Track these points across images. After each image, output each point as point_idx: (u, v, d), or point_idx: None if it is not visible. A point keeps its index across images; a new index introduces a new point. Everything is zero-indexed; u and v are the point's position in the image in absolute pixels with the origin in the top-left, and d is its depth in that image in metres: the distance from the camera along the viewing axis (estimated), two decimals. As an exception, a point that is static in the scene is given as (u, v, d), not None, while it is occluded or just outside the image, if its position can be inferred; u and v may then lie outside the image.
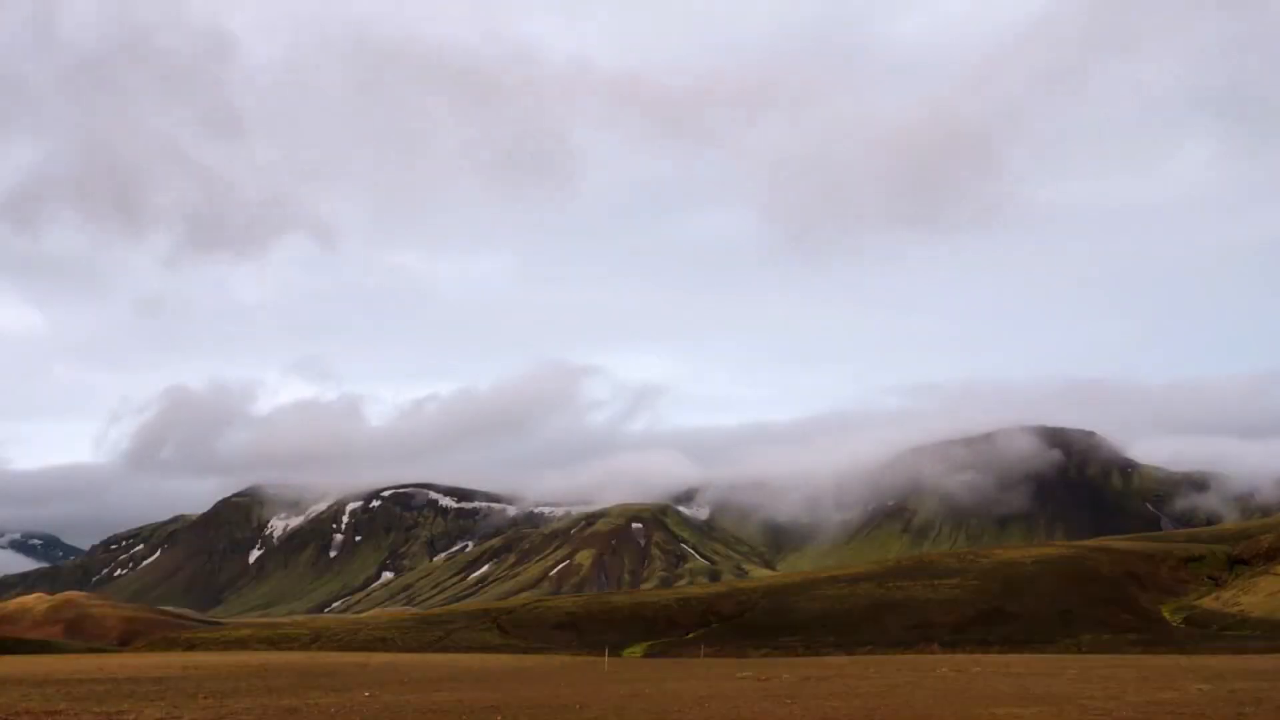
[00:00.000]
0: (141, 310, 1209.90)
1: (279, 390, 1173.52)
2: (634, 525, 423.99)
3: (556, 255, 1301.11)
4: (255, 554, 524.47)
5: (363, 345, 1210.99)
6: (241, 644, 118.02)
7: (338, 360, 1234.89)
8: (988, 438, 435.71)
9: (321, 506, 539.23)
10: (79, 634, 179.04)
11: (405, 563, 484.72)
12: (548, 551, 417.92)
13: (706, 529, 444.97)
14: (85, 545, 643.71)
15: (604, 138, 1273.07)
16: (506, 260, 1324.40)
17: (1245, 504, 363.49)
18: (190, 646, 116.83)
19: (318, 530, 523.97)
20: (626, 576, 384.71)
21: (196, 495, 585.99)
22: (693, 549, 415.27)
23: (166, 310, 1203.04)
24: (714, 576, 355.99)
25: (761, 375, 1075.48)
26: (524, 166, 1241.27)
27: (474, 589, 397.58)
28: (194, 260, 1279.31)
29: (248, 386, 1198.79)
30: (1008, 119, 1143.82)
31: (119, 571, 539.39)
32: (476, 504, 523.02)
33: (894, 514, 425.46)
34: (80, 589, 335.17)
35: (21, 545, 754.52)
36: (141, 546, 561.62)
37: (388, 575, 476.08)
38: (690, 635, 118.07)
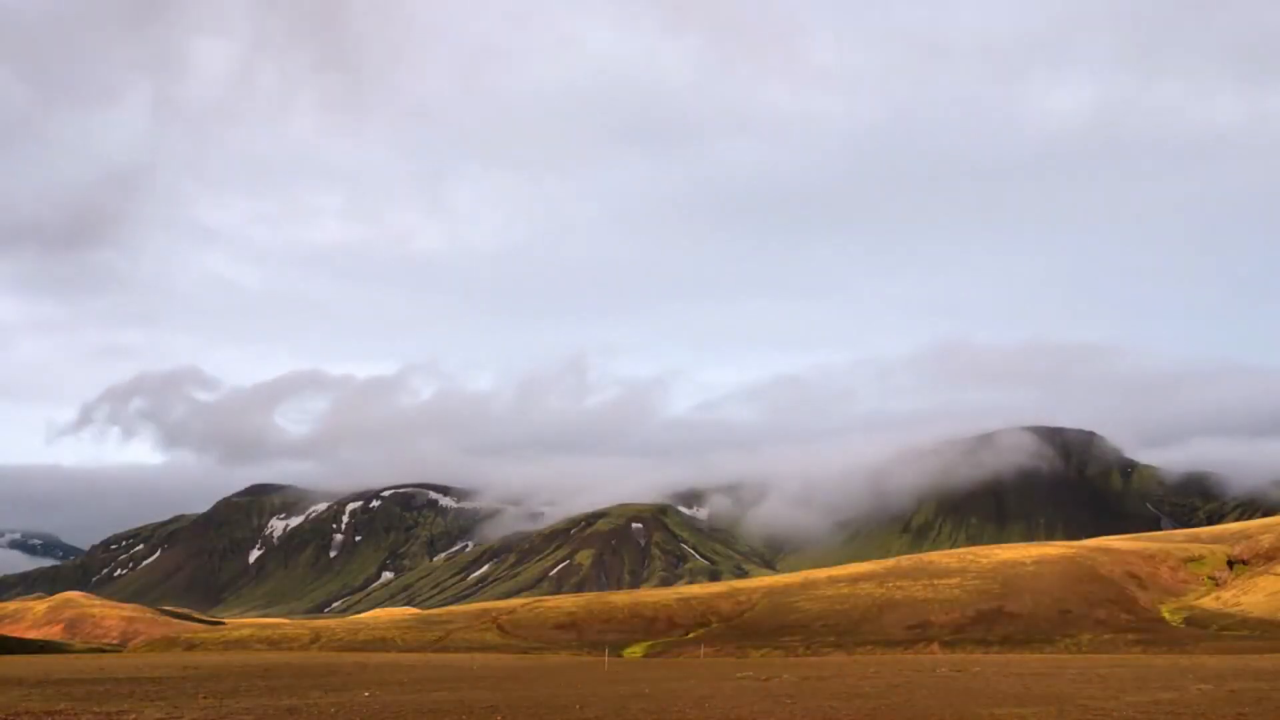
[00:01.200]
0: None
1: (266, 371, 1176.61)
2: (634, 525, 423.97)
3: (554, 224, 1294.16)
4: (255, 554, 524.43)
5: (347, 324, 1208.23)
6: (241, 644, 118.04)
7: (324, 340, 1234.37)
8: (988, 438, 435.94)
9: (321, 506, 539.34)
10: (79, 634, 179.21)
11: (405, 563, 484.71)
12: (548, 551, 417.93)
13: (706, 529, 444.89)
14: (85, 545, 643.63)
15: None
16: (502, 231, 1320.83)
17: (1245, 504, 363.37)
18: (190, 646, 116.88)
19: (318, 530, 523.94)
20: (626, 576, 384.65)
21: (196, 495, 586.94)
22: (693, 549, 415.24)
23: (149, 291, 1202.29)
24: (714, 576, 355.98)
25: (764, 372, 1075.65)
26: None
27: (474, 589, 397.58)
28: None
29: (238, 368, 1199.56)
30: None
31: (119, 571, 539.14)
32: (476, 504, 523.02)
33: (894, 514, 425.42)
34: (80, 589, 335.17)
35: (21, 545, 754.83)
36: (141, 546, 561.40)
37: (388, 575, 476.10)
38: (690, 635, 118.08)
